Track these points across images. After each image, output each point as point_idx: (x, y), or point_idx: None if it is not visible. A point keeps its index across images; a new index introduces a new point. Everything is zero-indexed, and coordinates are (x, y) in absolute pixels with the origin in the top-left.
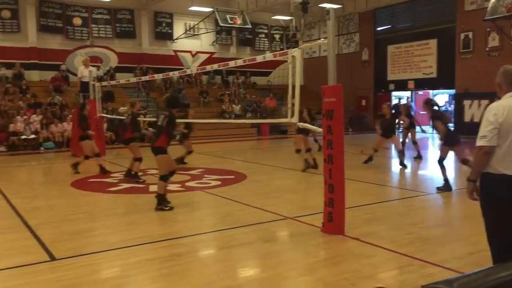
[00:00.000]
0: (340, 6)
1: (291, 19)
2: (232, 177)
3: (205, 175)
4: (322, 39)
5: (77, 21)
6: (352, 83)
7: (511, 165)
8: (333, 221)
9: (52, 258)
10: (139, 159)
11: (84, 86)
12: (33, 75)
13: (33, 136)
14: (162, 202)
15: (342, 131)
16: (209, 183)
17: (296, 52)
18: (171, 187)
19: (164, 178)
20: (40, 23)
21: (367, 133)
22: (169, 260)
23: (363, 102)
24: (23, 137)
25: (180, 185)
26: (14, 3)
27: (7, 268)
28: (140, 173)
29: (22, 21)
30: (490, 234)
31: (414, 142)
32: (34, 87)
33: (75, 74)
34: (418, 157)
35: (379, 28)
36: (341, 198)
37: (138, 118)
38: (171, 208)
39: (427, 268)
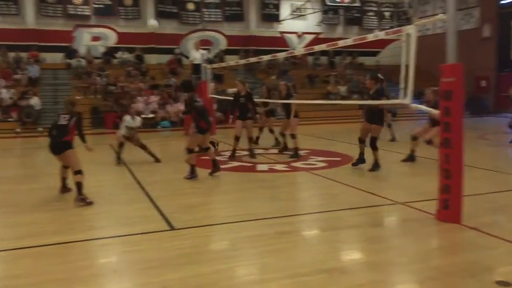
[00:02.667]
0: None
1: None
2: (338, 159)
3: (311, 156)
4: (440, 14)
5: (190, 6)
6: (471, 63)
7: None
8: (449, 209)
9: (171, 227)
10: (237, 138)
11: (196, 68)
12: (152, 59)
13: (151, 115)
14: (81, 193)
15: (461, 113)
16: (315, 164)
17: (410, 29)
18: (277, 166)
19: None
20: (158, 9)
21: (486, 116)
22: (275, 238)
23: (483, 83)
24: (143, 116)
25: (286, 165)
26: None
27: (132, 234)
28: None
29: (142, 8)
30: None
31: None
32: (153, 70)
33: (188, 57)
34: None
35: (503, 1)
36: (458, 184)
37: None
38: (91, 203)
39: None
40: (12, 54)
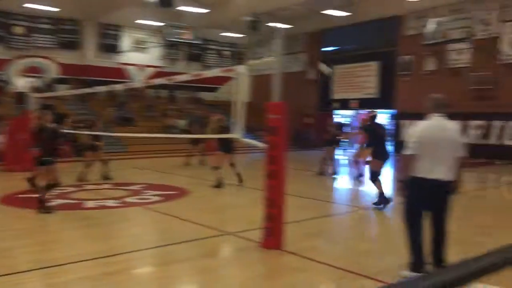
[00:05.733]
0: (290, 26)
1: (241, 37)
2: (175, 192)
3: (146, 191)
4: (270, 57)
5: (19, 30)
6: (298, 101)
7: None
8: (272, 236)
9: None
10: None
11: (20, 97)
12: None
13: None
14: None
15: (285, 147)
16: (150, 199)
17: (242, 68)
18: (109, 202)
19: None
20: None
21: (310, 149)
22: (100, 279)
23: (308, 120)
24: None
25: (118, 201)
26: None
27: None
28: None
29: None
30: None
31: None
32: None
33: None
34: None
35: (325, 49)
36: (281, 212)
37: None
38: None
39: (360, 280)
40: None
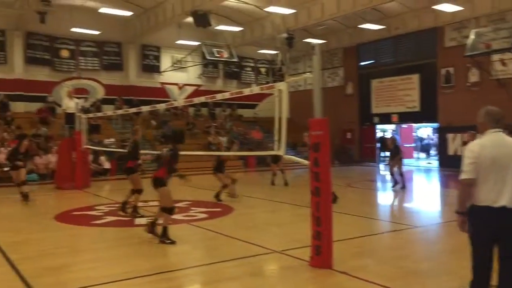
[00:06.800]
0: (324, 41)
1: (277, 53)
2: (219, 209)
3: (192, 208)
4: (308, 73)
5: (65, 53)
6: (337, 116)
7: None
8: (321, 255)
9: None
10: (139, 191)
11: (69, 118)
12: (19, 107)
13: None
14: (165, 235)
15: (329, 164)
16: (196, 216)
17: (282, 85)
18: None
19: (168, 210)
20: (27, 55)
21: (352, 165)
22: None
23: (348, 135)
24: (6, 169)
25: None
26: (1, 35)
27: None
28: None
29: (9, 53)
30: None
31: (401, 174)
32: (20, 119)
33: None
34: (403, 188)
35: (362, 63)
36: (328, 231)
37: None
38: (173, 242)
39: None
40: None
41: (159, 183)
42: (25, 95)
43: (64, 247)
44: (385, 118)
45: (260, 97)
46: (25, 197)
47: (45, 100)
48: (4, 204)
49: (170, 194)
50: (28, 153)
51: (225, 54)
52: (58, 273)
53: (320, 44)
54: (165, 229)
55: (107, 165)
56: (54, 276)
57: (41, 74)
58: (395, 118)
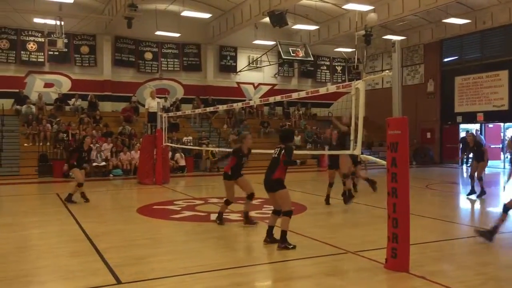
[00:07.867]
0: (404, 37)
1: (354, 51)
2: (292, 208)
3: (265, 205)
4: (387, 71)
5: (148, 55)
6: (417, 115)
7: None
8: (397, 258)
9: (118, 281)
10: (250, 196)
11: (152, 117)
12: (106, 106)
13: (103, 163)
14: (285, 240)
15: (407, 164)
16: (269, 214)
17: (360, 84)
18: (231, 216)
19: (289, 213)
20: (114, 58)
21: (431, 166)
22: None
23: (428, 135)
24: (94, 164)
25: (240, 215)
26: (92, 39)
27: None
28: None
29: (98, 56)
30: None
31: (479, 178)
32: (107, 117)
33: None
34: (482, 193)
35: (446, 59)
36: (405, 233)
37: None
38: (294, 247)
39: None
40: None
41: (278, 184)
42: (112, 95)
43: (145, 239)
44: (469, 117)
45: (335, 96)
46: (86, 198)
47: (130, 100)
48: (92, 196)
49: (289, 196)
50: (90, 149)
51: (301, 53)
52: (140, 263)
53: (400, 40)
54: (285, 234)
55: (182, 162)
56: (136, 266)
57: (127, 75)
58: (480, 117)
